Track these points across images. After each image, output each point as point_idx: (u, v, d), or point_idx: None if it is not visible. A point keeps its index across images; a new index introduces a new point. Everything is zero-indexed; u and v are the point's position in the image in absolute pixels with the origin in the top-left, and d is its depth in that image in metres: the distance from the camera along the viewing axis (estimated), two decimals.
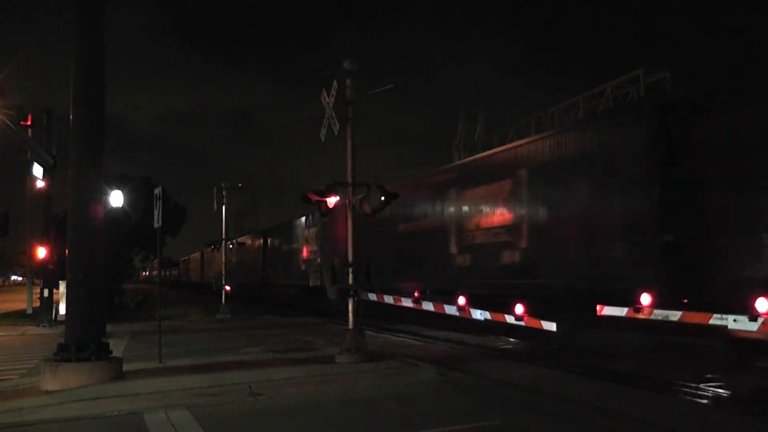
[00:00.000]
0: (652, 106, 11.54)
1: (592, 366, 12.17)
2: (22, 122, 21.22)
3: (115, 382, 10.27)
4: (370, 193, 12.55)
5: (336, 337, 15.58)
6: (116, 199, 20.79)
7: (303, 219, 31.85)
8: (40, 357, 11.98)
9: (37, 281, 26.14)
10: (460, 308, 15.48)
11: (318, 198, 12.51)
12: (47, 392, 9.61)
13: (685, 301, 10.22)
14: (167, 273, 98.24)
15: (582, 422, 7.70)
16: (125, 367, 11.12)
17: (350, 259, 12.62)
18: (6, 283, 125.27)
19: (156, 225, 12.90)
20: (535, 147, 14.34)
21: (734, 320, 8.86)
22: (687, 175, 10.57)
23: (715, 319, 9.13)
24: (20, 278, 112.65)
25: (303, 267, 31.04)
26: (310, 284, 26.56)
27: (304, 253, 31.37)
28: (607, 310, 11.06)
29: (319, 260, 27.39)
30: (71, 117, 10.92)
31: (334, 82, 12.58)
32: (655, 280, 10.64)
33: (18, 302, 39.49)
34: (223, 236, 32.85)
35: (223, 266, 32.94)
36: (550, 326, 12.24)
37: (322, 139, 13.01)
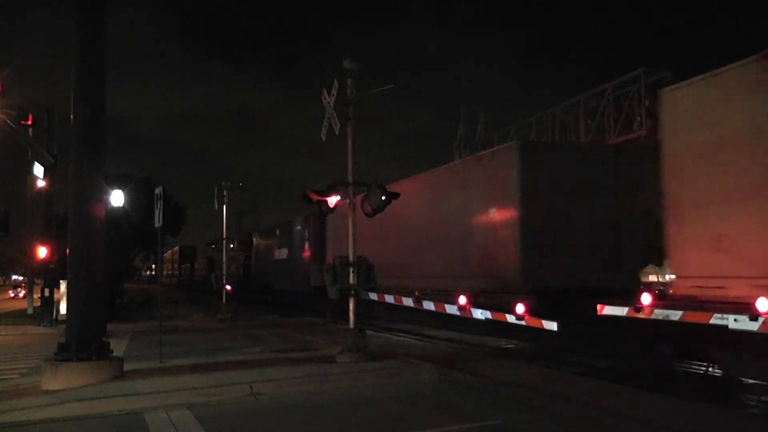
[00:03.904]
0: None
1: (593, 366, 12.17)
2: (23, 122, 21.25)
3: (115, 381, 10.28)
4: (370, 192, 12.55)
5: (337, 337, 15.59)
6: (117, 198, 20.83)
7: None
8: (41, 356, 11.99)
9: (38, 281, 26.16)
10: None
11: (318, 197, 12.51)
12: (48, 392, 9.62)
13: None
14: (186, 270, 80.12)
15: (582, 422, 7.70)
16: (126, 367, 11.13)
17: (351, 258, 12.62)
18: (7, 283, 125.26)
19: (156, 225, 12.93)
20: None
21: (735, 320, 8.85)
22: None
23: (716, 319, 9.12)
24: (21, 278, 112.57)
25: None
26: (311, 284, 26.56)
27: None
28: (608, 310, 11.05)
29: None
30: (72, 117, 10.93)
31: (335, 81, 12.59)
32: None
33: (19, 301, 39.54)
34: (224, 236, 32.87)
35: (223, 265, 32.94)
36: (551, 326, 12.20)
37: (323, 138, 13.01)
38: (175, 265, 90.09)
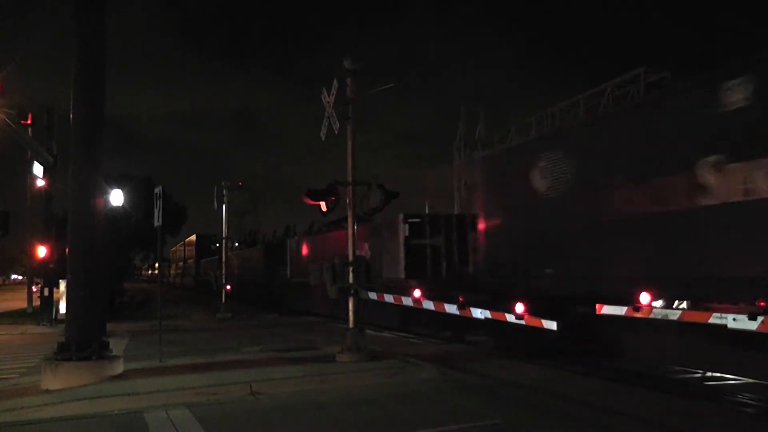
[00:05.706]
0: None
1: (592, 365, 12.16)
2: (22, 121, 21.25)
3: (115, 381, 10.29)
4: (370, 192, 12.55)
5: (337, 337, 15.59)
6: (117, 198, 20.84)
7: None
8: (41, 356, 11.99)
9: (38, 280, 26.17)
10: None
11: (314, 202, 12.51)
12: (48, 391, 9.63)
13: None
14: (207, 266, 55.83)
15: (582, 421, 7.70)
16: (126, 366, 11.13)
17: (350, 257, 12.62)
18: (6, 282, 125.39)
19: (156, 224, 12.94)
20: None
21: (734, 319, 8.87)
22: None
23: (715, 318, 9.14)
24: (20, 277, 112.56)
25: None
26: (311, 283, 26.52)
27: None
28: (606, 309, 11.06)
29: None
30: (71, 116, 10.93)
31: (335, 81, 12.59)
32: None
33: (18, 301, 39.51)
34: (224, 235, 32.83)
35: (223, 265, 32.90)
36: (551, 325, 12.22)
37: (323, 138, 13.01)
38: (189, 261, 71.81)
